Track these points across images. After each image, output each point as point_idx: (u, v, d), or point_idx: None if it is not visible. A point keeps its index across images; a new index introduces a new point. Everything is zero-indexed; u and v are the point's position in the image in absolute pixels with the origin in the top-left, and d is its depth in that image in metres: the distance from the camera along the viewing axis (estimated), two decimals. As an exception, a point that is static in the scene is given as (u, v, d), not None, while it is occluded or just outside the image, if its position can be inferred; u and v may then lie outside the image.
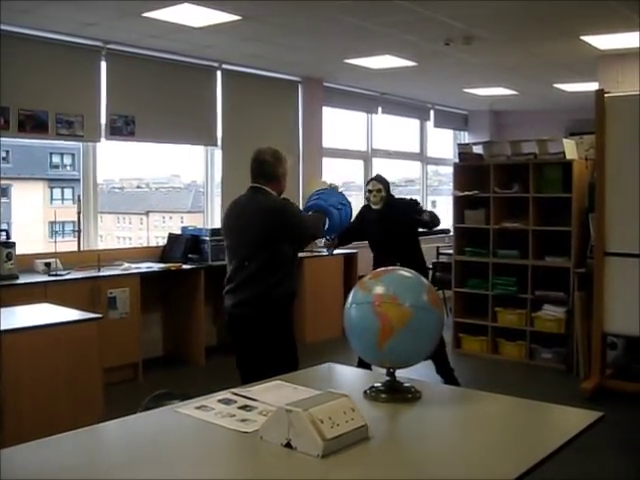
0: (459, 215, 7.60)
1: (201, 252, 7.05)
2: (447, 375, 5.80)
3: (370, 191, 5.83)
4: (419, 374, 5.14)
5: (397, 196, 6.07)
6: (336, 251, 8.63)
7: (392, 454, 2.09)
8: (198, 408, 2.40)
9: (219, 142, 8.06)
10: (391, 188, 6.00)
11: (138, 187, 10.32)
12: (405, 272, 2.66)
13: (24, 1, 5.45)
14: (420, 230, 5.90)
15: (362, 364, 4.09)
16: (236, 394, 2.53)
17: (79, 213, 6.76)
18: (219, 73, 8.03)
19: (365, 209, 5.98)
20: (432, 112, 11.65)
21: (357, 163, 10.34)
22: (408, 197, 6.20)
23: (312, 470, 1.91)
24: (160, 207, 10.18)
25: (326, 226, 4.10)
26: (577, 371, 6.55)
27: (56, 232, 6.63)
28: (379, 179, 5.86)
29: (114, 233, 9.94)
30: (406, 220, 5.66)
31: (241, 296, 3.95)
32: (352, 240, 6.12)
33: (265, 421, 2.13)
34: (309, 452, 1.96)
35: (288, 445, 2.01)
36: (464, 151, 7.79)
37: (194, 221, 8.50)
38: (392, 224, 5.70)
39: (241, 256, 3.96)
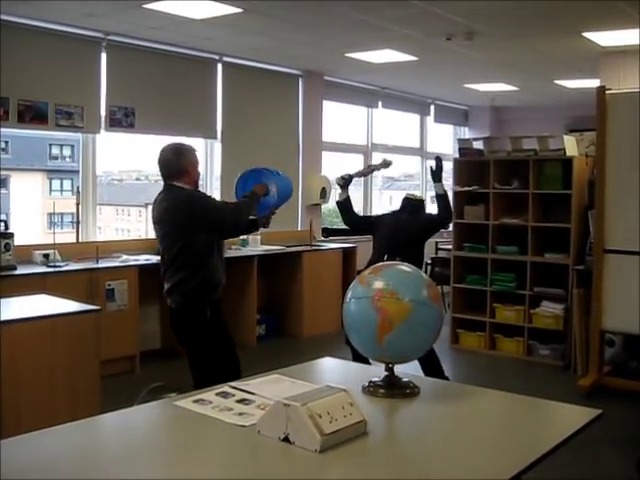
0: (458, 210, 7.58)
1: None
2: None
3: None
4: (418, 369, 5.14)
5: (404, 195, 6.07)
6: (335, 245, 8.67)
7: (390, 449, 2.09)
8: (196, 401, 2.40)
9: (219, 135, 8.04)
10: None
11: (137, 179, 10.32)
12: (405, 267, 2.65)
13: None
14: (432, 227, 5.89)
15: (357, 358, 4.08)
16: (234, 387, 2.53)
17: (78, 204, 6.75)
18: (220, 66, 8.01)
19: (387, 215, 6.07)
20: (432, 107, 11.63)
21: (357, 157, 10.32)
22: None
23: (310, 465, 1.90)
24: (159, 199, 10.17)
25: (254, 211, 4.33)
26: (575, 368, 6.55)
27: (55, 223, 6.62)
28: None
29: (113, 225, 9.94)
30: (422, 234, 5.71)
31: (166, 287, 4.21)
32: (357, 232, 6.34)
33: (263, 415, 2.12)
34: (307, 447, 1.95)
35: (286, 439, 2.00)
36: (464, 146, 7.78)
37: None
38: (408, 235, 5.66)
39: (162, 249, 4.23)
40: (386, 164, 5.98)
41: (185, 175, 4.14)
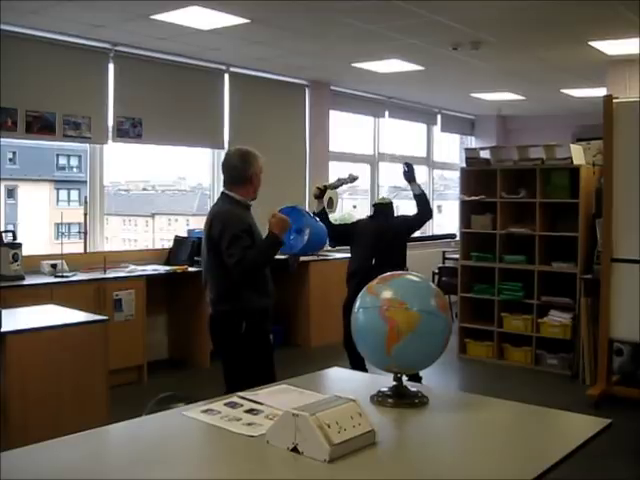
0: (466, 220, 7.58)
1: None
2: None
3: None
4: (426, 379, 5.13)
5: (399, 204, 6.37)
6: (341, 255, 8.66)
7: (399, 459, 2.08)
8: (204, 411, 2.39)
9: (226, 145, 8.05)
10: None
11: (144, 189, 10.33)
12: (413, 277, 2.65)
13: (33, 1, 5.47)
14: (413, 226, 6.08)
15: (356, 366, 4.12)
16: (242, 397, 2.52)
17: (85, 215, 6.77)
18: (227, 76, 8.04)
19: (362, 221, 6.23)
20: (439, 116, 11.64)
21: (364, 167, 10.32)
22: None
23: (319, 475, 1.90)
24: (166, 209, 10.19)
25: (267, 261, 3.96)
26: (583, 377, 6.53)
27: (62, 233, 6.64)
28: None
29: (120, 235, 9.95)
30: (402, 236, 5.92)
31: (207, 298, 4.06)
32: (338, 244, 6.47)
33: (272, 425, 2.12)
34: (316, 457, 1.95)
35: (295, 450, 2.00)
36: (471, 156, 7.77)
37: (200, 224, 8.46)
38: (389, 239, 5.83)
39: (202, 261, 4.07)
40: (353, 178, 6.09)
41: (247, 184, 3.92)
